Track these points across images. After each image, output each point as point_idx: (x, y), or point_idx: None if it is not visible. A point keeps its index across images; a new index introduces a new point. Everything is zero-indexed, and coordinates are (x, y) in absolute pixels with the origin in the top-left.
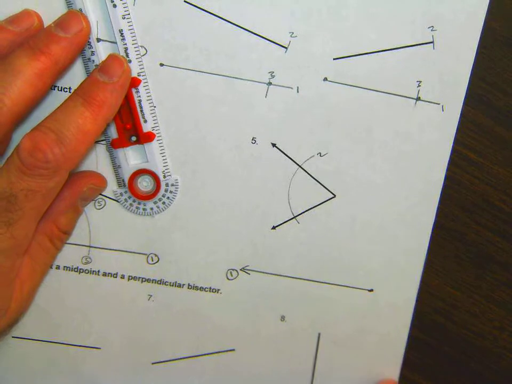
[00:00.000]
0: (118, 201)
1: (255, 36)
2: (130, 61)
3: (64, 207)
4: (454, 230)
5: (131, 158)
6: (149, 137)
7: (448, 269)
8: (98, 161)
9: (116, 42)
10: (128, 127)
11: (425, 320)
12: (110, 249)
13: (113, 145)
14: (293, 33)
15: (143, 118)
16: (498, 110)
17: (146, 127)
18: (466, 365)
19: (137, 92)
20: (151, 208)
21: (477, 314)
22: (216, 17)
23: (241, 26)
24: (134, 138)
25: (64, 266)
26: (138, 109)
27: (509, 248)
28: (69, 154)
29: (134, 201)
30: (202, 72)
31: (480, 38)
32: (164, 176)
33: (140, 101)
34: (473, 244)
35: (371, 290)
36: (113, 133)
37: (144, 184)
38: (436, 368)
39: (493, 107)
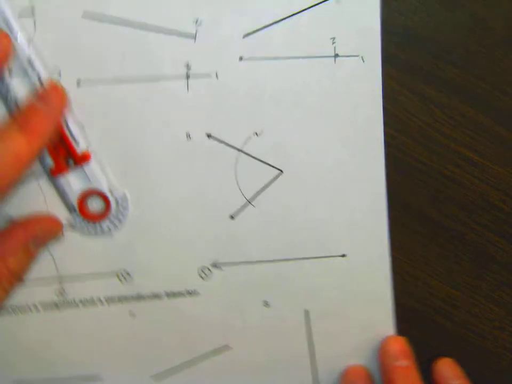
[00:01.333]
0: (74, 228)
1: (162, 32)
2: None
3: (15, 246)
4: (454, 230)
5: (74, 182)
6: (85, 157)
7: (448, 269)
8: (45, 194)
9: (27, 73)
10: (62, 152)
11: (425, 320)
12: (80, 276)
13: (53, 174)
14: (197, 19)
15: (74, 140)
16: (498, 110)
17: (80, 149)
18: (466, 365)
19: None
20: (108, 227)
21: (477, 314)
22: (119, 25)
23: (145, 27)
24: (71, 162)
25: (40, 303)
26: (67, 132)
27: (509, 248)
28: (2, 179)
29: (89, 223)
30: (121, 80)
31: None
32: (111, 193)
33: (66, 124)
34: (473, 243)
35: (343, 255)
36: (49, 161)
37: (95, 204)
38: None
39: (493, 107)
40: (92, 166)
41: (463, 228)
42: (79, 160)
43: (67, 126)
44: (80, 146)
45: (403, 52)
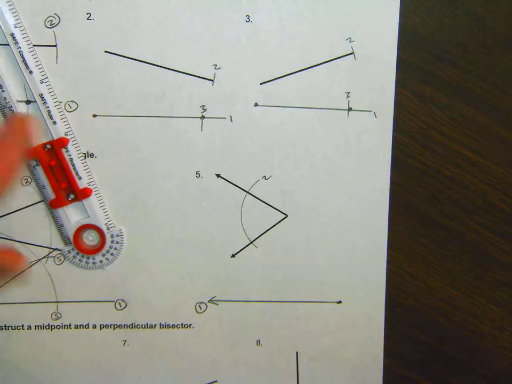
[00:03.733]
0: (67, 259)
1: (181, 73)
2: (55, 123)
3: None
4: (454, 230)
5: (72, 215)
6: (86, 193)
7: (448, 269)
8: (50, 217)
9: (38, 107)
10: (64, 186)
11: (425, 320)
12: (77, 302)
13: (52, 206)
14: (216, 65)
15: (77, 175)
16: (498, 110)
17: (82, 184)
18: (466, 365)
19: (67, 151)
20: (100, 261)
21: (477, 314)
22: (139, 62)
23: (165, 67)
24: (72, 196)
25: (35, 326)
26: (71, 167)
27: (509, 248)
28: None
29: (82, 256)
30: (136, 116)
31: (398, 40)
32: (108, 229)
33: (71, 159)
34: (473, 243)
35: (339, 302)
36: (50, 193)
37: (90, 238)
38: (436, 368)
39: (493, 107)
40: (92, 202)
41: (463, 228)
42: (80, 195)
43: (71, 161)
44: (83, 182)
45: (403, 52)
